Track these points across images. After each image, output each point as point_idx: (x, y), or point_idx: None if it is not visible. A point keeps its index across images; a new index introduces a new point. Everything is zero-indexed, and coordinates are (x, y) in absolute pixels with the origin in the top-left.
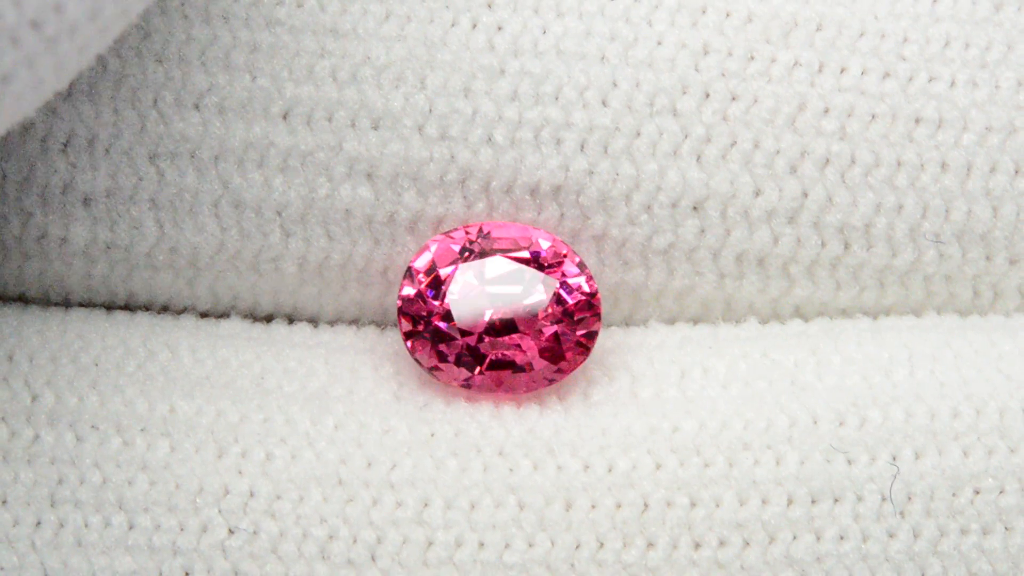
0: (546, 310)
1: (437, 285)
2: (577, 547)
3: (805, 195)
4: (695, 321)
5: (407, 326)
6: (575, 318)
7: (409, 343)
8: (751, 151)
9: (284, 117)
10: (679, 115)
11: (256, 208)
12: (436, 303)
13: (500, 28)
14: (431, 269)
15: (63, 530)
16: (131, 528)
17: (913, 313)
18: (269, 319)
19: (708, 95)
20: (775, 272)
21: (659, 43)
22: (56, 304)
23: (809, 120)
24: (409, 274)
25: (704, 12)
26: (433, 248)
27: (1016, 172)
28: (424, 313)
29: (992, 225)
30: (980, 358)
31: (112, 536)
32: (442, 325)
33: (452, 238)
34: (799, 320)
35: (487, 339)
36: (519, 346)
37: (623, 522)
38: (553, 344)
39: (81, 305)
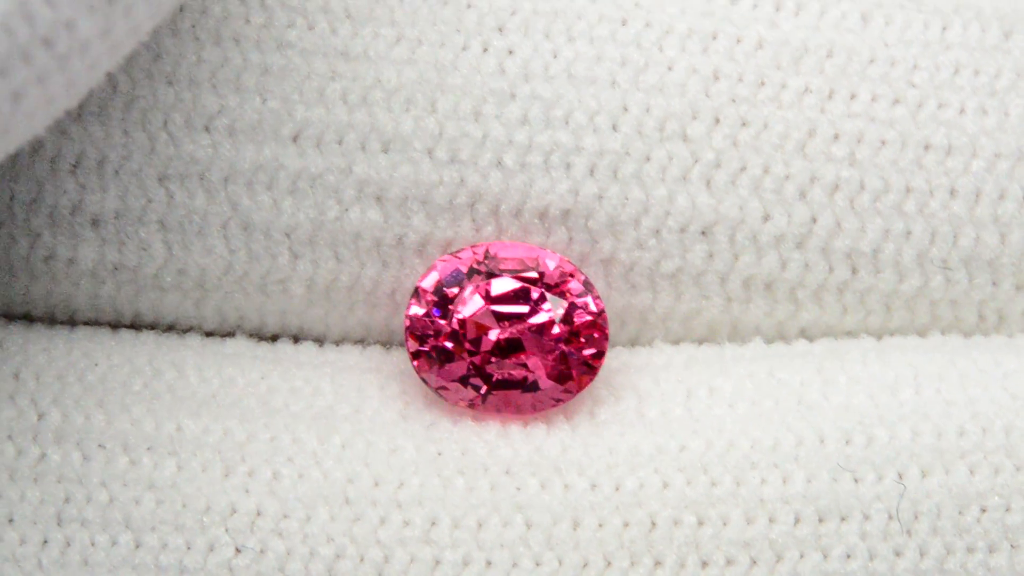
0: (553, 329)
1: (444, 305)
2: (584, 566)
3: (814, 220)
4: (700, 343)
5: (414, 345)
6: (582, 337)
7: (416, 363)
8: (761, 176)
9: (294, 139)
10: (689, 140)
11: (265, 230)
12: (443, 323)
13: (511, 52)
14: (438, 289)
15: (69, 549)
16: (138, 547)
17: (917, 335)
18: (274, 339)
19: (718, 120)
20: (782, 296)
21: (670, 68)
22: (62, 323)
23: (819, 146)
24: (416, 294)
25: (715, 38)
26: (440, 268)
27: None
28: (431, 332)
29: (1000, 252)
30: (985, 377)
31: (119, 555)
32: (449, 345)
33: (459, 258)
34: (804, 340)
35: (494, 359)
36: (526, 366)
37: (630, 541)
38: (560, 364)
39: (87, 324)
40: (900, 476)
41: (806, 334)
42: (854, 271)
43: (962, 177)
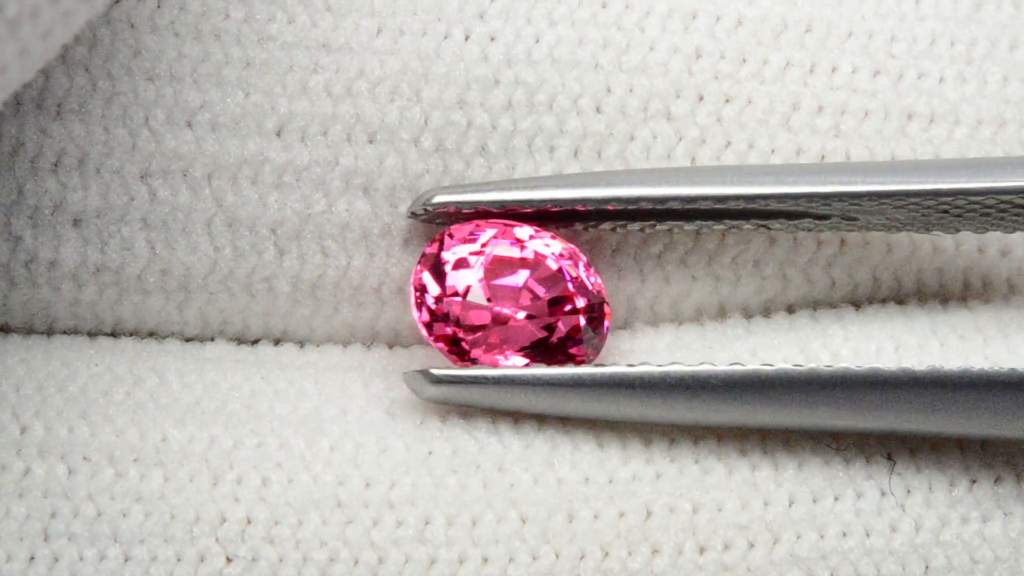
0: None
1: (440, 273)
2: (582, 558)
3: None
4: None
5: (426, 316)
6: (585, 317)
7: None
8: (746, 151)
9: (278, 133)
10: (673, 119)
11: (251, 226)
12: (437, 286)
13: (493, 39)
14: (437, 260)
15: (58, 564)
16: (127, 560)
17: (897, 302)
18: (255, 344)
19: (702, 98)
20: (771, 274)
21: (651, 48)
22: (39, 334)
23: (803, 119)
24: (423, 258)
25: (695, 17)
26: (450, 236)
27: None
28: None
29: None
30: (966, 345)
31: (108, 569)
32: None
33: (468, 234)
34: (783, 313)
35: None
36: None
37: (627, 530)
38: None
39: (65, 334)
40: (888, 454)
41: (792, 310)
42: (842, 243)
43: (946, 144)
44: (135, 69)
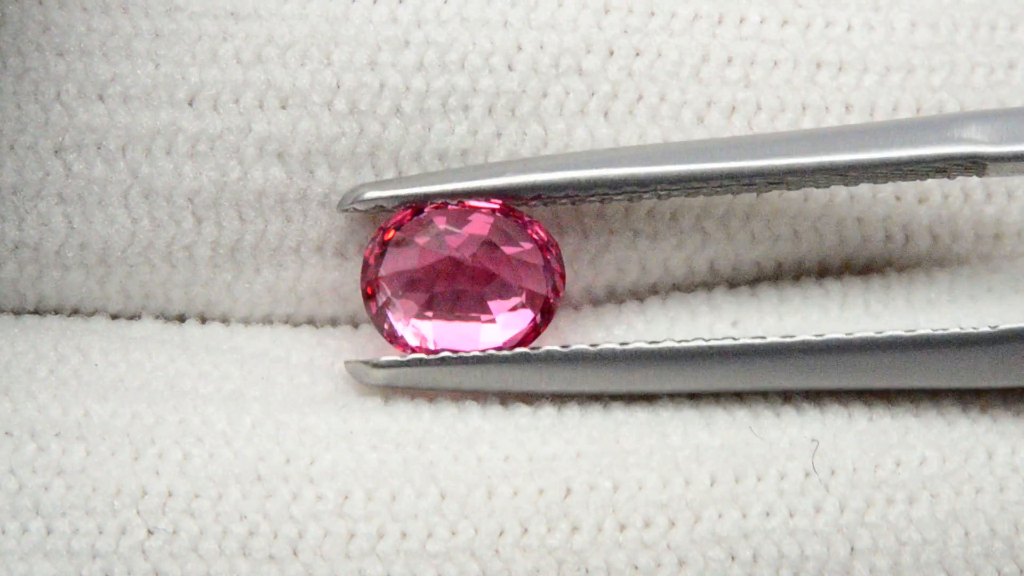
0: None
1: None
2: (501, 534)
3: None
4: (611, 287)
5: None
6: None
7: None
8: (658, 104)
9: (190, 102)
10: (585, 74)
11: (167, 196)
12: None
13: (401, 0)
14: None
15: None
16: (49, 533)
17: (820, 263)
18: (181, 320)
19: (612, 52)
20: (688, 227)
21: (560, 5)
22: None
23: (713, 70)
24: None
25: None
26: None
27: (917, 110)
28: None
29: None
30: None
31: (30, 542)
32: None
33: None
34: (703, 289)
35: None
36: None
37: (546, 507)
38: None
39: None
40: (812, 437)
41: (714, 268)
42: (758, 193)
43: (855, 92)
44: (45, 45)
